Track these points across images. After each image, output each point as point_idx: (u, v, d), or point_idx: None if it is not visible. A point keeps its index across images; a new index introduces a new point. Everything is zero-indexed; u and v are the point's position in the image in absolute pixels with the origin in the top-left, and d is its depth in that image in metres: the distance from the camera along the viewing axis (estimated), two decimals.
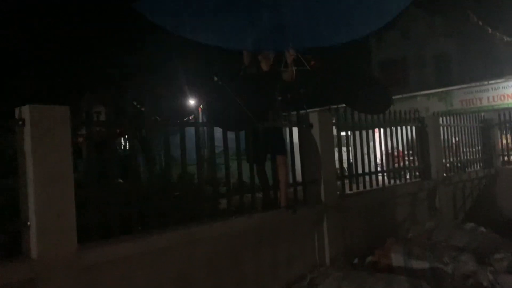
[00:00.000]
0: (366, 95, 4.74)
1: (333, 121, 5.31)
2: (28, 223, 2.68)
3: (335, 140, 5.31)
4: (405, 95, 16.11)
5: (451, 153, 7.51)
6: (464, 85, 15.40)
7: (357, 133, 5.78)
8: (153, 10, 3.60)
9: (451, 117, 7.72)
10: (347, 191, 5.51)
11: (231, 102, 4.39)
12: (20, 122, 2.69)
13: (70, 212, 2.80)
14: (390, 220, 5.85)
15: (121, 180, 4.36)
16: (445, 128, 7.29)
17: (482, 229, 5.65)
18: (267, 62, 4.57)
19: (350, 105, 5.28)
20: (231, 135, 4.33)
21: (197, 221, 3.69)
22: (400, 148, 6.73)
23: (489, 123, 8.58)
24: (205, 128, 4.26)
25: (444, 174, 6.99)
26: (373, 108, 5.09)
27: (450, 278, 4.43)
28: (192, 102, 20.72)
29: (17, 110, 2.76)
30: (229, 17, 3.76)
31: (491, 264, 4.81)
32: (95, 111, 4.41)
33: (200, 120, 4.17)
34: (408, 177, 6.78)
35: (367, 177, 5.87)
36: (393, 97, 15.99)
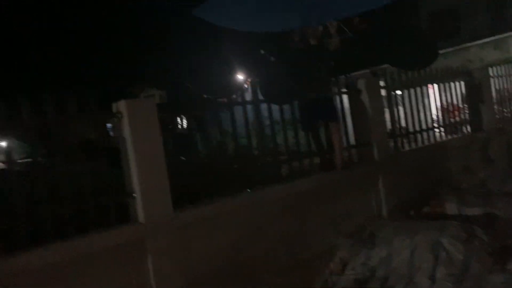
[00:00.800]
0: (409, 51, 4.93)
1: (381, 84, 5.63)
2: (134, 194, 3.35)
3: (385, 101, 5.63)
4: (457, 47, 15.69)
5: (508, 103, 7.55)
6: None
7: (408, 92, 6.03)
8: (209, 14, 4.05)
9: (504, 67, 7.69)
10: (401, 149, 5.86)
11: (281, 77, 4.81)
12: (119, 115, 3.32)
13: (165, 183, 3.45)
14: (444, 173, 6.12)
15: (182, 157, 4.91)
16: (496, 79, 7.31)
17: None
18: (315, 36, 4.92)
19: (393, 64, 5.50)
20: (286, 106, 4.81)
21: (265, 184, 4.25)
22: (456, 102, 6.87)
23: None
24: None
25: (499, 125, 7.10)
26: (417, 63, 5.25)
27: (503, 221, 4.73)
28: (241, 77, 21.23)
29: (114, 105, 3.40)
30: (273, 3, 4.11)
31: None
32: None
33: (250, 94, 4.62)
34: (464, 130, 6.96)
35: (421, 134, 6.16)
36: (445, 50, 15.62)
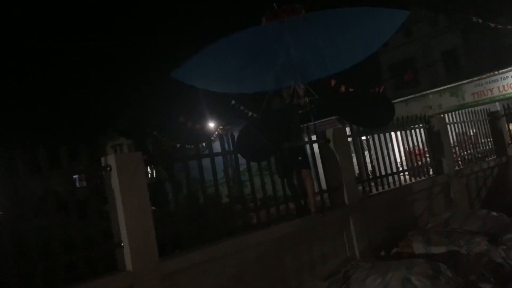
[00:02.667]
0: (369, 111, 5.38)
1: (348, 132, 6.07)
2: (122, 244, 3.53)
3: (353, 148, 6.06)
4: (417, 95, 16.72)
5: (468, 146, 8.20)
6: (474, 78, 15.89)
7: (374, 138, 6.50)
8: (187, 76, 4.39)
9: (458, 114, 8.37)
10: (369, 192, 6.25)
11: (256, 135, 5.13)
12: (108, 168, 3.55)
13: (151, 233, 3.64)
14: (410, 214, 6.52)
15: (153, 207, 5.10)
16: (453, 125, 7.95)
17: (494, 213, 6.25)
18: (288, 95, 5.35)
19: (355, 123, 5.96)
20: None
21: (244, 230, 4.49)
22: (420, 146, 7.40)
23: (495, 115, 9.19)
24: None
25: (457, 167, 7.64)
26: (377, 121, 5.67)
27: (465, 258, 5.09)
28: (212, 125, 21.75)
29: (103, 159, 3.64)
30: (250, 67, 4.51)
31: (503, 243, 5.43)
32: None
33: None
34: (430, 173, 7.44)
35: (387, 177, 6.59)
36: (407, 97, 16.53)
